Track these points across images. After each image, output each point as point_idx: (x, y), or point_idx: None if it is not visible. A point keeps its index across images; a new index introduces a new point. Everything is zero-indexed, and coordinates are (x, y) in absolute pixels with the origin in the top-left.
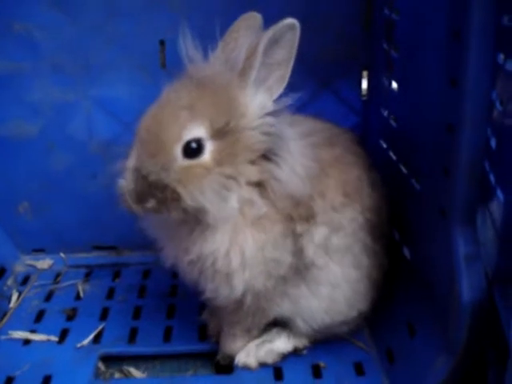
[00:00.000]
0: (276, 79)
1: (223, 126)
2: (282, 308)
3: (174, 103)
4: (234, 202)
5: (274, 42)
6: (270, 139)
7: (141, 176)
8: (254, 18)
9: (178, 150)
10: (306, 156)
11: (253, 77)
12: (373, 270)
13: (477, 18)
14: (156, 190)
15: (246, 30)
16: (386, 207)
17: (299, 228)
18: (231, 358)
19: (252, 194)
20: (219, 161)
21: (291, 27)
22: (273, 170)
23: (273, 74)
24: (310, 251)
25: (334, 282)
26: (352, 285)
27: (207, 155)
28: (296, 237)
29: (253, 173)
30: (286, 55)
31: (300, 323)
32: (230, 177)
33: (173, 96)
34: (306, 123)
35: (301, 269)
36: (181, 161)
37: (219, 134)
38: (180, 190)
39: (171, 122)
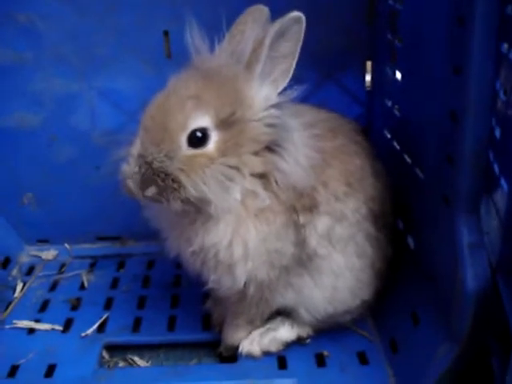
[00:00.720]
0: (281, 72)
1: (228, 117)
2: (286, 298)
3: (180, 92)
4: (236, 193)
5: (280, 35)
6: (274, 131)
7: (144, 162)
8: (260, 11)
9: (182, 139)
10: (310, 146)
11: (259, 69)
12: (376, 260)
13: (481, 4)
14: (158, 178)
15: (253, 23)
16: (389, 197)
17: (302, 219)
18: (234, 349)
19: (255, 185)
20: (223, 151)
21: (297, 20)
22: (277, 162)
23: (278, 66)
24: (313, 241)
25: (338, 271)
26: (355, 274)
27: (211, 145)
28: (299, 228)
29: (257, 164)
30: (291, 48)
31: (303, 313)
32: (233, 167)
33: (179, 85)
34: (310, 113)
35: (304, 259)
36: (185, 150)
37: (224, 124)
38: (182, 178)
39: (177, 111)
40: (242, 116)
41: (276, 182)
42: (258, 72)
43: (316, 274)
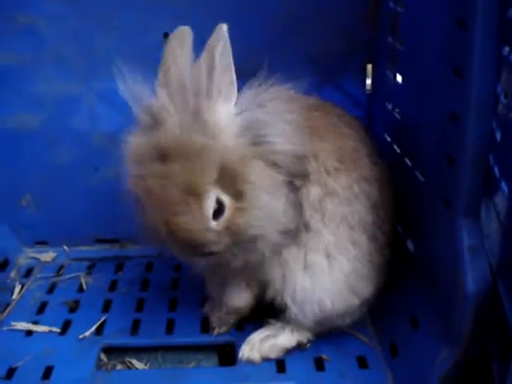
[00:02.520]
0: (227, 86)
1: (224, 176)
2: (273, 274)
3: (173, 185)
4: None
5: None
6: (251, 134)
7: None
8: (184, 33)
9: (209, 224)
10: (291, 111)
11: (216, 95)
12: (374, 252)
13: (482, 6)
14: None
15: (182, 49)
16: (389, 190)
17: (297, 182)
18: (239, 312)
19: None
20: (236, 195)
21: (223, 33)
22: (268, 151)
23: (223, 82)
24: (307, 209)
25: (329, 252)
26: (351, 263)
27: (228, 202)
28: (295, 190)
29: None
30: (227, 60)
31: (296, 311)
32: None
33: (163, 173)
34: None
35: (300, 230)
36: (215, 225)
37: (223, 181)
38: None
39: (185, 211)
40: (228, 159)
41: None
42: (216, 98)
43: (308, 252)
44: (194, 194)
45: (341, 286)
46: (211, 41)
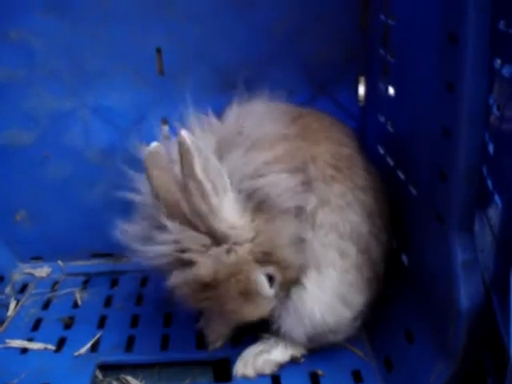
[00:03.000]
0: (219, 183)
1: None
2: None
3: (229, 299)
4: None
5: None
6: (255, 201)
7: None
8: (157, 151)
9: (271, 296)
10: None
11: (217, 206)
12: (363, 266)
13: (473, 21)
14: None
15: (159, 169)
16: (385, 199)
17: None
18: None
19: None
20: (274, 259)
21: (187, 145)
22: (273, 205)
23: (216, 186)
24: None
25: (318, 261)
26: (338, 273)
27: (273, 269)
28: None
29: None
30: (208, 165)
31: (286, 326)
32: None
33: (217, 295)
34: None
35: None
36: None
37: (261, 259)
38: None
39: (250, 307)
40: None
41: None
42: (218, 206)
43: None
44: (249, 292)
45: (330, 297)
46: (185, 159)
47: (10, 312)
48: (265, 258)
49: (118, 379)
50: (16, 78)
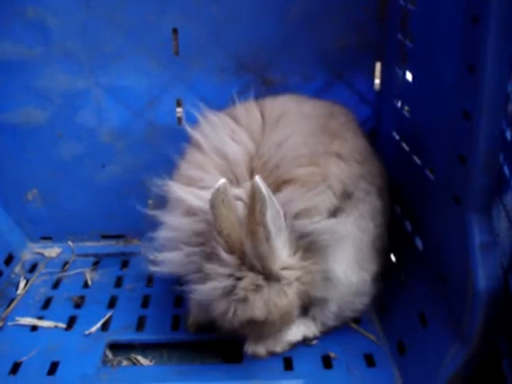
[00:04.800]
0: (276, 220)
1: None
2: None
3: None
4: None
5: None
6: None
7: None
8: (225, 188)
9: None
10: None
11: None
12: (375, 238)
13: (496, 2)
14: None
15: (226, 208)
16: (385, 171)
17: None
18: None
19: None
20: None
21: (263, 192)
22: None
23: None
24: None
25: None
26: (357, 246)
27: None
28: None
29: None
30: (277, 218)
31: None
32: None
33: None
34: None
35: None
36: None
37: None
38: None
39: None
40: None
41: None
42: (278, 245)
43: None
44: (289, 320)
45: (350, 263)
46: (258, 207)
47: (20, 290)
48: (304, 295)
49: (128, 358)
50: (31, 57)
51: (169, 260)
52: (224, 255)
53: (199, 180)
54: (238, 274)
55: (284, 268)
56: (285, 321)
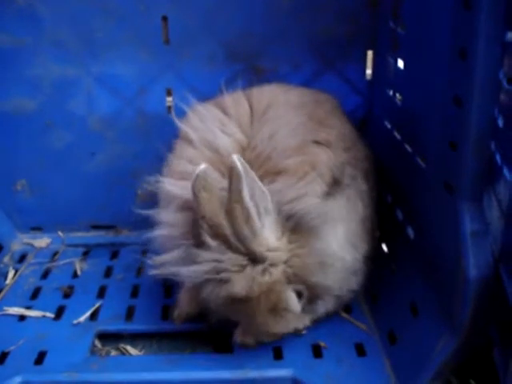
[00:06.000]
0: (263, 206)
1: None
2: None
3: (259, 313)
4: None
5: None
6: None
7: None
8: (206, 173)
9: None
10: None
11: (259, 228)
12: (365, 218)
13: None
14: None
15: (207, 191)
16: (370, 155)
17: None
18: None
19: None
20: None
21: (238, 169)
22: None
23: (260, 211)
24: None
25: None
26: (348, 225)
27: (302, 287)
28: None
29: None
30: (254, 192)
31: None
32: None
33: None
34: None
35: None
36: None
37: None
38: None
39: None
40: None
41: None
42: (260, 228)
43: None
44: (278, 309)
45: (342, 241)
46: (234, 184)
47: (9, 281)
48: (295, 278)
49: (117, 348)
50: (21, 46)
51: (169, 261)
52: (208, 240)
53: (191, 174)
54: (223, 258)
55: (269, 250)
56: (272, 302)
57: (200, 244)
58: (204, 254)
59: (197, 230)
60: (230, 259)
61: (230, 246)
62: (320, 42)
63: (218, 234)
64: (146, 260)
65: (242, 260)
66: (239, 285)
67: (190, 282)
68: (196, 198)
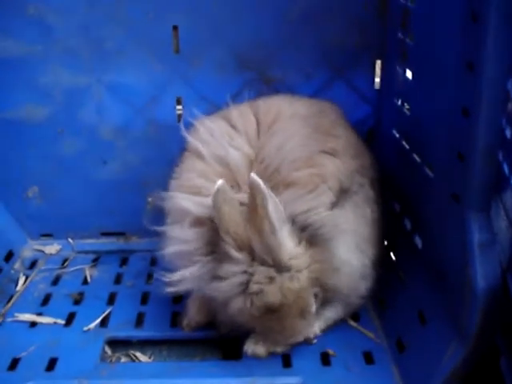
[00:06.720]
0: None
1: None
2: None
3: (290, 317)
4: None
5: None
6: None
7: None
8: (224, 187)
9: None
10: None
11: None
12: (373, 223)
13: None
14: None
15: (228, 205)
16: (375, 162)
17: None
18: None
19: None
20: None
21: (262, 188)
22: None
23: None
24: None
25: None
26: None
27: (318, 290)
28: None
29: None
30: (276, 210)
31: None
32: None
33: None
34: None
35: None
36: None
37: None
38: None
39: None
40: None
41: None
42: (281, 238)
43: None
44: (305, 311)
45: (351, 247)
46: (259, 202)
47: (19, 287)
48: (316, 282)
49: (126, 355)
50: (33, 54)
51: (185, 277)
52: (234, 253)
53: (203, 189)
54: (251, 270)
55: (292, 258)
56: (301, 307)
57: (222, 258)
58: (231, 268)
59: (216, 244)
60: (259, 271)
61: (254, 258)
62: (329, 51)
63: (242, 247)
64: (160, 277)
65: (271, 271)
66: (273, 294)
67: (219, 296)
68: (218, 212)
